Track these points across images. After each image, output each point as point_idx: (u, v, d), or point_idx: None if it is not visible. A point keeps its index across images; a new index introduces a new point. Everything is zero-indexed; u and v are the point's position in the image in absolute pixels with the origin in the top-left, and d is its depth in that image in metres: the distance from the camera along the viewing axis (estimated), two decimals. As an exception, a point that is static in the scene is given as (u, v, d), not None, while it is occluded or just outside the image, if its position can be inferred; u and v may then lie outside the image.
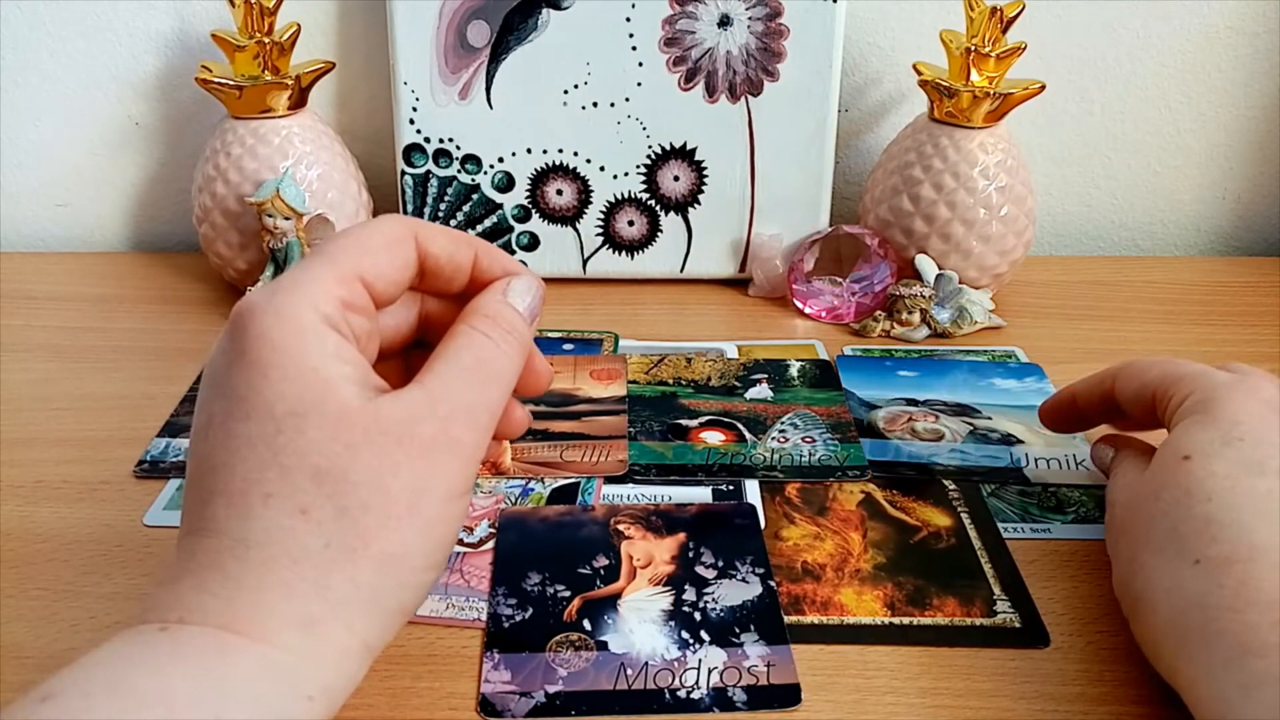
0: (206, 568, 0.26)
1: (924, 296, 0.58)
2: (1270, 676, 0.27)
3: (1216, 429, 0.34)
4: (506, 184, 0.63)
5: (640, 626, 0.36)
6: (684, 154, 0.62)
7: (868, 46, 0.68)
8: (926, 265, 0.59)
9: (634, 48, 0.60)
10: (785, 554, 0.41)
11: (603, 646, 0.35)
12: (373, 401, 0.28)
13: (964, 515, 0.43)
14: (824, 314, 0.61)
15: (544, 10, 0.60)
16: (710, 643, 0.35)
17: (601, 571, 0.38)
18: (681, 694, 0.33)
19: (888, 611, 0.38)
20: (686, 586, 0.38)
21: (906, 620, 0.38)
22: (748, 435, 0.48)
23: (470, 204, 0.64)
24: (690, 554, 0.39)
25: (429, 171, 0.63)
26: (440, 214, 0.64)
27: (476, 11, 0.60)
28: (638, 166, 0.63)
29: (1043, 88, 0.58)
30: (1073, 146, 0.71)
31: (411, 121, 0.62)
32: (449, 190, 0.63)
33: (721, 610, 0.37)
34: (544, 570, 0.38)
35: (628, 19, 0.60)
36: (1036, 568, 0.40)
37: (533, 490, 0.44)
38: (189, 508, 0.28)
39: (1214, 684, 0.29)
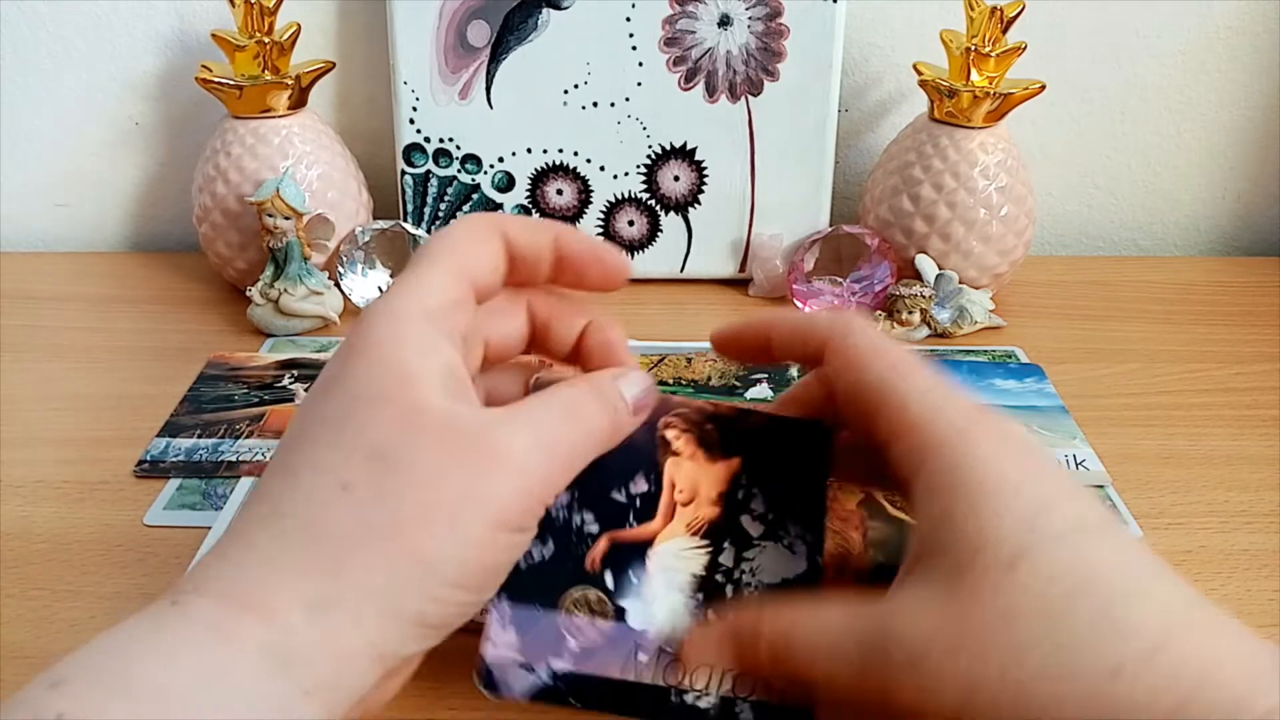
0: (236, 535, 0.26)
1: (924, 296, 0.58)
2: None
3: (1014, 510, 0.27)
4: (507, 184, 0.63)
5: (665, 595, 0.32)
6: (684, 154, 0.62)
7: (868, 46, 0.68)
8: (926, 265, 0.59)
9: (634, 48, 0.60)
10: (785, 554, 0.41)
11: (621, 615, 0.31)
12: (452, 402, 0.28)
13: (964, 515, 0.43)
14: (824, 314, 0.61)
15: (544, 10, 0.60)
16: None
17: (638, 502, 0.33)
18: (689, 698, 0.31)
19: (888, 611, 0.38)
20: (726, 545, 0.33)
21: (906, 620, 0.38)
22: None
23: (470, 204, 0.64)
24: (740, 493, 0.33)
25: (429, 171, 0.63)
26: (440, 214, 0.64)
27: (476, 11, 0.60)
28: (638, 166, 0.63)
29: (1043, 88, 0.58)
30: (1073, 146, 0.71)
31: (411, 121, 0.62)
32: (449, 190, 0.63)
33: (756, 587, 0.32)
34: (573, 485, 0.31)
35: (628, 19, 0.60)
36: (1036, 568, 0.40)
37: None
38: (256, 486, 0.28)
39: None
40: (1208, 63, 0.68)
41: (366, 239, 0.60)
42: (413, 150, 0.63)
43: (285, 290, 0.57)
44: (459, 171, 0.63)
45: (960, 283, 0.59)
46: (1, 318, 0.60)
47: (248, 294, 0.58)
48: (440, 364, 0.28)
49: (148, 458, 0.47)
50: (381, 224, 0.61)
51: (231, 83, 0.58)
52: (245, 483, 0.45)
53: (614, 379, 0.31)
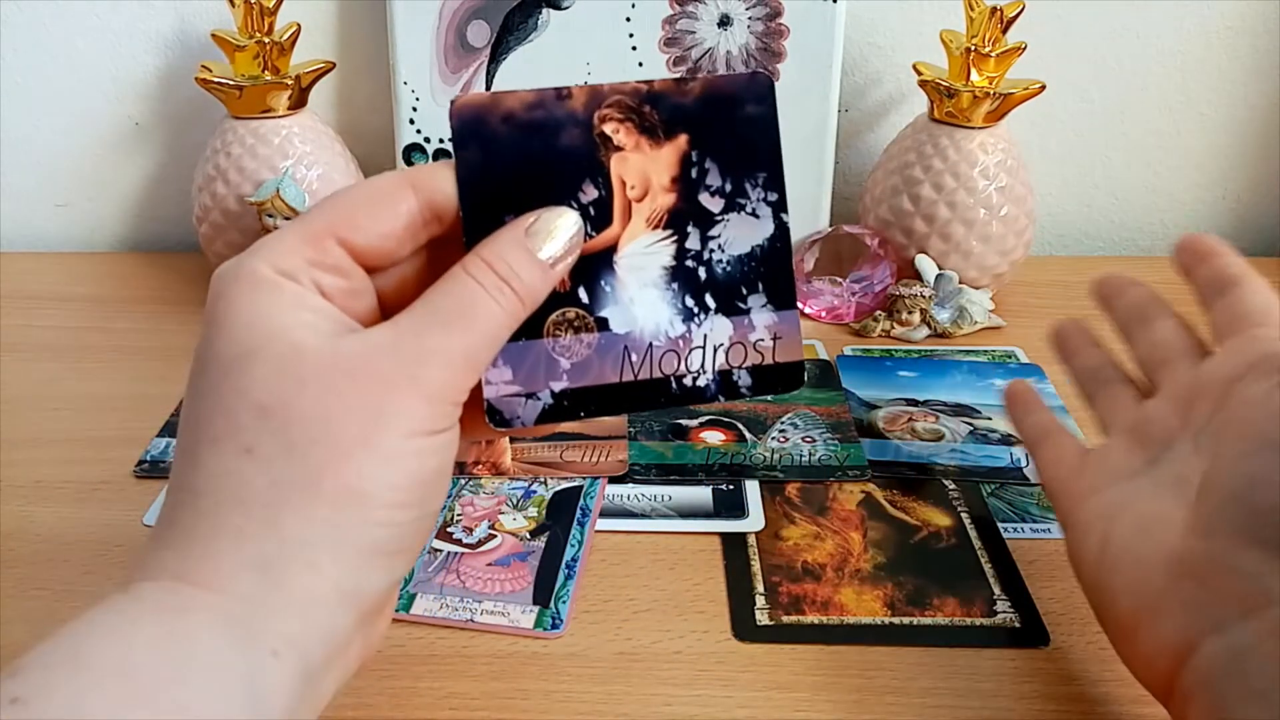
0: (164, 524, 0.26)
1: (924, 296, 0.58)
2: None
3: None
4: (506, 184, 0.63)
5: (641, 294, 0.32)
6: (684, 154, 0.62)
7: (868, 46, 0.68)
8: (926, 265, 0.59)
9: (634, 48, 0.60)
10: (785, 554, 0.41)
11: (604, 325, 0.31)
12: (332, 340, 0.27)
13: (964, 515, 0.43)
14: (824, 314, 0.61)
15: (544, 10, 0.60)
16: (716, 311, 0.32)
17: (591, 210, 0.31)
18: (688, 381, 0.32)
19: (888, 611, 0.38)
20: (690, 228, 0.32)
21: (906, 620, 0.38)
22: (748, 435, 0.48)
23: (470, 204, 0.64)
24: (694, 172, 0.32)
25: (429, 171, 0.63)
26: (440, 214, 0.64)
27: (476, 11, 0.60)
28: (638, 166, 0.63)
29: (1043, 88, 0.58)
30: (1073, 146, 0.71)
31: (411, 121, 0.62)
32: (449, 190, 0.63)
33: (728, 262, 0.32)
34: (522, 208, 0.31)
35: (628, 19, 0.60)
36: (1036, 568, 0.40)
37: (535, 492, 0.44)
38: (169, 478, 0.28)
39: None
40: (1208, 63, 0.68)
41: (366, 239, 0.60)
42: (413, 150, 0.63)
43: (285, 290, 0.57)
44: (459, 171, 0.63)
45: (960, 283, 0.59)
46: (1, 318, 0.60)
47: (248, 294, 0.58)
48: (310, 313, 0.27)
49: (148, 458, 0.47)
50: (381, 224, 0.61)
51: (231, 83, 0.58)
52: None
53: (523, 233, 0.30)
